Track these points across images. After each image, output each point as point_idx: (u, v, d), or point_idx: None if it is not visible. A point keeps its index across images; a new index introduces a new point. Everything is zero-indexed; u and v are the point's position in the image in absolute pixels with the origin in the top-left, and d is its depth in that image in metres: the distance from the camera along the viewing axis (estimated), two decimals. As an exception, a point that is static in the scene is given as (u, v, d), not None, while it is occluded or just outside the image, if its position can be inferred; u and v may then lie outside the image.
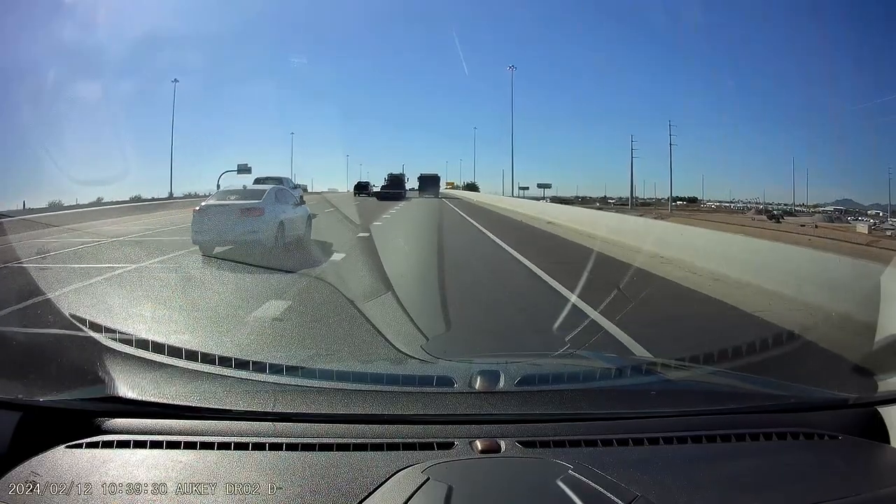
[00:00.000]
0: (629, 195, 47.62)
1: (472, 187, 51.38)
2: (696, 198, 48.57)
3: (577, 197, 49.95)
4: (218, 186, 31.15)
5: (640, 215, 24.46)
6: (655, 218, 22.79)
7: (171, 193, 33.28)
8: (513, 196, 39.47)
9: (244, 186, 13.46)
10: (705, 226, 18.27)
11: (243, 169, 30.43)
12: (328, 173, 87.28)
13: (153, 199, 29.91)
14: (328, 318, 5.86)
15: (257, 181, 18.35)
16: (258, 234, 10.72)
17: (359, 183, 39.26)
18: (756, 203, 46.32)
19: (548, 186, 47.02)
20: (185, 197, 31.67)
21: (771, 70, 51.53)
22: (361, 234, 14.13)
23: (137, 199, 28.80)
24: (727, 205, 47.91)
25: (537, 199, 40.05)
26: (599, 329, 5.41)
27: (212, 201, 11.54)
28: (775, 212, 41.49)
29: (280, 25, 53.89)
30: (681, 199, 48.42)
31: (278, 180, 18.27)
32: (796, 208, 42.57)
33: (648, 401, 2.28)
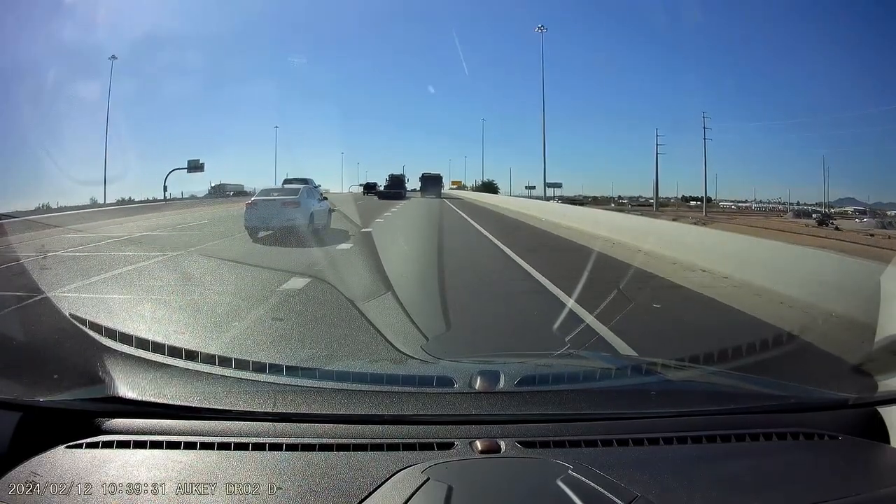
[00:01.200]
0: (653, 195, 44.99)
1: (489, 187, 46.82)
2: (710, 198, 46.75)
3: (587, 196, 48.46)
4: (165, 188, 30.95)
5: (673, 219, 22.37)
6: (694, 222, 20.38)
7: (98, 200, 28.87)
8: (544, 196, 36.68)
9: (283, 185, 18.24)
10: (757, 234, 14.35)
11: (194, 165, 29.73)
12: (324, 172, 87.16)
13: (60, 208, 24.11)
14: (326, 314, 5.86)
15: (286, 181, 21.66)
16: (295, 221, 13.68)
17: (367, 183, 44.84)
18: (779, 203, 45.04)
19: (558, 186, 44.72)
20: (118, 203, 28.24)
21: (772, 70, 51.63)
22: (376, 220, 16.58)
23: (46, 207, 23.71)
24: (745, 205, 46.76)
25: (546, 199, 38.73)
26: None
27: (259, 197, 14.86)
28: (815, 215, 38.50)
29: (278, 24, 53.97)
30: (693, 198, 47.24)
31: (304, 181, 21.09)
32: (825, 209, 40.89)
33: (648, 401, 2.28)
